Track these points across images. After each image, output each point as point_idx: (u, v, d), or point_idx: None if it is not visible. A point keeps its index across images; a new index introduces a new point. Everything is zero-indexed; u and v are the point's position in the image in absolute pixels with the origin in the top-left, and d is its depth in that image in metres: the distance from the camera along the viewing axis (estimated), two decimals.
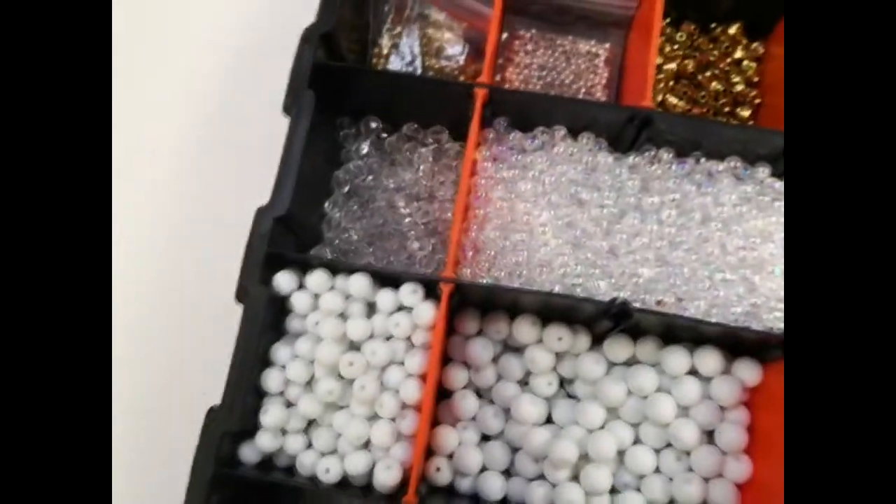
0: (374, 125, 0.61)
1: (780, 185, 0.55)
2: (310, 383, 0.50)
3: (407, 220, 0.59)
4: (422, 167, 0.60)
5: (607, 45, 0.66)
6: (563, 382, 0.55)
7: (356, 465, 0.47)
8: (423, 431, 0.46)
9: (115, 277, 0.59)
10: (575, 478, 0.51)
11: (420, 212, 0.59)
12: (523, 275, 0.53)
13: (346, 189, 0.60)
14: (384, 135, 0.61)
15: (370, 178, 0.60)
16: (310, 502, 0.52)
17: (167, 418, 0.59)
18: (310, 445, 0.50)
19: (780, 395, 0.48)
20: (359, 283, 0.50)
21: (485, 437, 0.54)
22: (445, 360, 0.55)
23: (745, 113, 0.63)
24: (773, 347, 0.49)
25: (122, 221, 0.62)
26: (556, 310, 0.52)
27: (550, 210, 0.55)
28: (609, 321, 0.50)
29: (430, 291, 0.51)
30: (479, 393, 0.55)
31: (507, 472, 0.53)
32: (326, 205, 0.60)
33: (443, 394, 0.55)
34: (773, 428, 0.48)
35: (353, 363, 0.48)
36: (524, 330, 0.53)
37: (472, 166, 0.54)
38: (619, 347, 0.53)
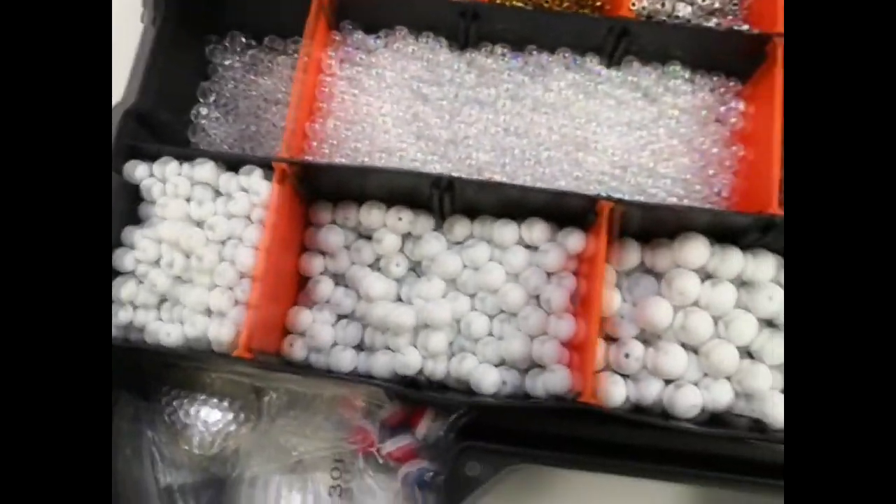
0: (239, 39, 0.65)
1: (606, 71, 0.59)
2: (159, 262, 0.54)
3: (269, 124, 0.62)
4: (282, 74, 0.63)
5: None
6: (414, 266, 0.59)
7: (195, 328, 0.51)
8: (256, 292, 0.50)
9: None
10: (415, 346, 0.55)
11: (280, 116, 0.62)
12: (365, 162, 0.57)
13: (213, 98, 0.64)
14: (249, 48, 0.65)
15: (233, 86, 0.64)
16: (155, 366, 0.56)
17: None
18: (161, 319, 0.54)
19: (598, 261, 0.51)
20: (203, 168, 0.54)
21: (341, 319, 0.58)
22: (303, 249, 0.59)
23: None
24: (593, 213, 0.52)
25: None
26: (398, 193, 0.56)
27: (393, 103, 0.59)
28: (447, 198, 0.54)
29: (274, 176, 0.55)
30: (337, 280, 0.59)
31: (360, 348, 0.57)
32: (192, 113, 0.63)
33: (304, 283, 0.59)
34: (592, 290, 0.52)
35: (193, 237, 0.52)
36: (370, 214, 0.57)
37: (310, 61, 0.57)
38: (457, 226, 0.57)
